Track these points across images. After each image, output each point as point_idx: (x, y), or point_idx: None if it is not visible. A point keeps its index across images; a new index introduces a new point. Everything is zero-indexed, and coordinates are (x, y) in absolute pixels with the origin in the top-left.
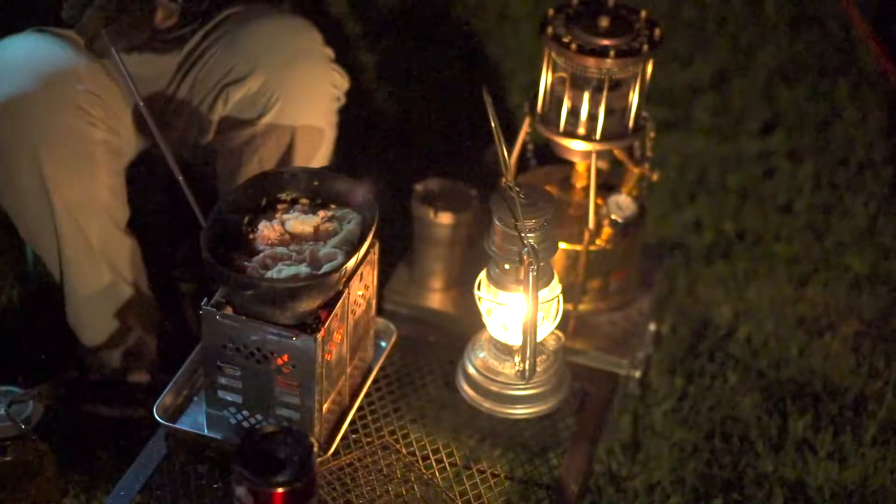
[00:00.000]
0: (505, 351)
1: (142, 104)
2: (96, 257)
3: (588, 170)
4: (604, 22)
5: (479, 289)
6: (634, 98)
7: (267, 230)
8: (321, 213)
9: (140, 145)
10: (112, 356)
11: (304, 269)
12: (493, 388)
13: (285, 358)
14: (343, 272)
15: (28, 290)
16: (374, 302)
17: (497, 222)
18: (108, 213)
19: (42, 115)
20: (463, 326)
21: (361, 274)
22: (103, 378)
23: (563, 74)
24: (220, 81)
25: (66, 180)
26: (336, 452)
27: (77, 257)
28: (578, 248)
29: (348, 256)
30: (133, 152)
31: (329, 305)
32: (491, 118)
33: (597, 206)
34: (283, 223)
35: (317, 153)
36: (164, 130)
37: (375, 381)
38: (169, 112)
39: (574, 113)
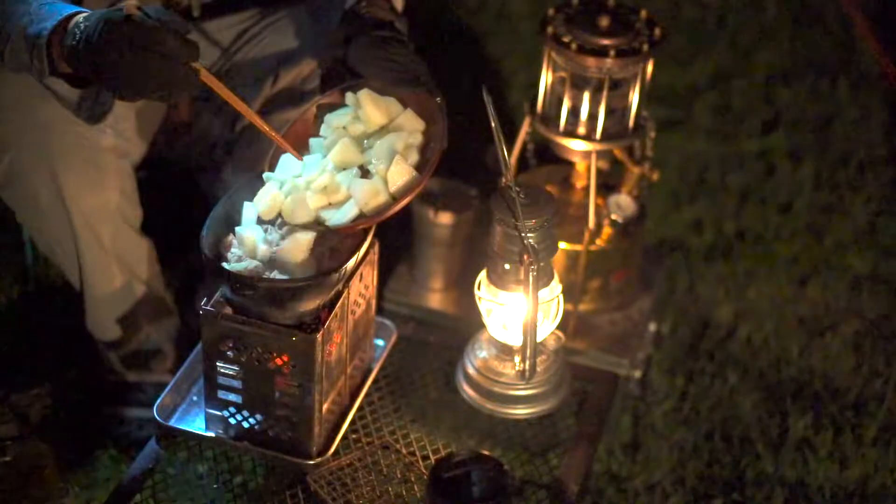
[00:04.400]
0: (505, 351)
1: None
2: (109, 258)
3: (588, 170)
4: (604, 21)
5: (479, 289)
6: (634, 98)
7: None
8: None
9: (145, 147)
10: (130, 358)
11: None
12: (494, 388)
13: (285, 358)
14: (343, 272)
15: (28, 290)
16: (373, 302)
17: (497, 222)
18: (121, 215)
19: (57, 134)
20: (463, 326)
21: (361, 274)
22: (122, 380)
23: (563, 74)
24: (274, 61)
25: (81, 190)
26: (336, 452)
27: (92, 259)
28: (578, 248)
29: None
30: (139, 154)
31: (329, 305)
32: (491, 118)
33: (597, 206)
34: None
35: None
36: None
37: (375, 381)
38: (201, 97)
39: (574, 113)
